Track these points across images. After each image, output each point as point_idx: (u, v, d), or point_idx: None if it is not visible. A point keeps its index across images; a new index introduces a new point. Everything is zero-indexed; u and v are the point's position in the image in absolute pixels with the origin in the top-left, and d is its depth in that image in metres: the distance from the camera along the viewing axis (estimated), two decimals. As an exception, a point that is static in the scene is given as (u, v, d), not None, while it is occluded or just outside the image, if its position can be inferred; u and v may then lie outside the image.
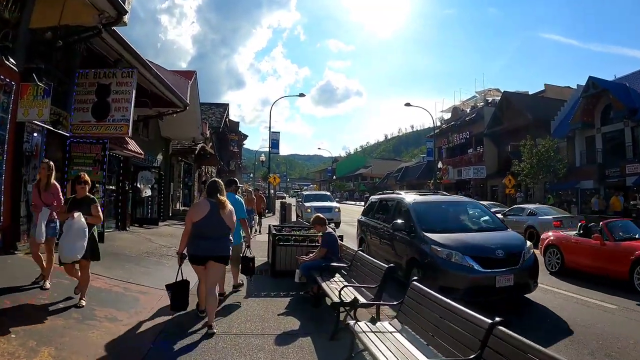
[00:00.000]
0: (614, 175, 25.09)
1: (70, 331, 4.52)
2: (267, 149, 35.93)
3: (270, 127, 32.59)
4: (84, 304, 5.24)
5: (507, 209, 18.15)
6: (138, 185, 14.73)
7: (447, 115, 53.42)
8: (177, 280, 4.99)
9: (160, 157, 17.99)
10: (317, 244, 7.65)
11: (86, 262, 5.36)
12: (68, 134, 9.22)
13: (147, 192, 15.34)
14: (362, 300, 4.85)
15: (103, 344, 4.31)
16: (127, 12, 7.77)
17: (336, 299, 4.85)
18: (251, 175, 75.43)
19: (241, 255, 6.68)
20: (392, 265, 5.03)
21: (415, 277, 4.23)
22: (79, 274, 5.48)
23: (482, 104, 46.77)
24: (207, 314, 4.97)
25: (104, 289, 6.23)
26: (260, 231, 15.62)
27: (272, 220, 21.94)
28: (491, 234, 7.10)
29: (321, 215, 6.99)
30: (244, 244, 6.77)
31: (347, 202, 60.01)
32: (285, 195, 59.98)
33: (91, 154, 9.27)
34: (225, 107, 39.68)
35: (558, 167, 26.81)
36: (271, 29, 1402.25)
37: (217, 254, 4.88)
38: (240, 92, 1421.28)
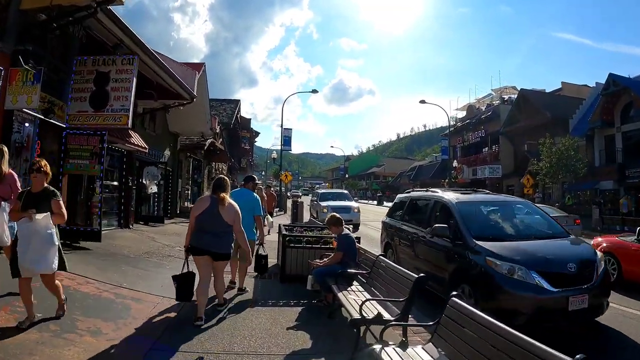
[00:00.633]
0: (634, 176, 24.19)
1: (43, 348, 3.83)
2: (279, 147, 35.27)
3: (282, 124, 31.89)
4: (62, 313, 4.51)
5: None
6: (143, 182, 14.12)
7: (461, 114, 52.46)
8: (183, 272, 5.06)
9: (167, 152, 17.37)
10: (331, 246, 6.91)
11: (51, 276, 4.32)
12: (64, 125, 8.59)
13: (153, 189, 14.74)
14: (386, 316, 4.08)
15: (77, 366, 3.62)
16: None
17: (356, 315, 4.08)
18: (263, 173, 74.88)
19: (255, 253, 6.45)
20: (422, 275, 4.23)
21: (455, 293, 3.41)
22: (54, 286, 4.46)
23: (498, 101, 45.65)
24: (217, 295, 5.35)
25: (92, 294, 5.54)
26: (269, 232, 14.87)
27: (283, 219, 21.24)
28: (556, 242, 5.80)
29: (337, 215, 6.18)
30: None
31: (360, 201, 59.12)
32: (300, 194, 56.05)
33: (88, 146, 8.59)
34: (236, 103, 39.01)
35: (578, 167, 25.78)
36: (284, 27, 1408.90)
37: (216, 250, 4.96)
38: (253, 90, 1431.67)
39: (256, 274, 7.02)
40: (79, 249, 8.10)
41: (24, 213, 4.05)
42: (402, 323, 3.83)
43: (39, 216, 4.03)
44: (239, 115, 39.31)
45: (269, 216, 13.64)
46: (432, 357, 3.17)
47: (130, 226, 12.11)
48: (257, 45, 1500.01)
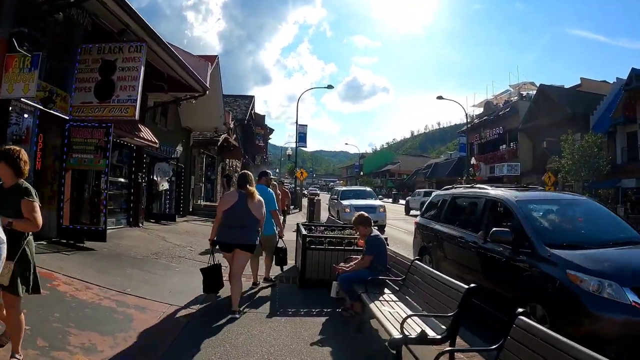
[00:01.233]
0: (658, 175, 22.94)
1: (26, 370, 3.25)
2: (294, 145, 34.66)
3: (297, 120, 31.22)
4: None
5: None
6: (154, 178, 13.58)
7: (478, 110, 51.20)
8: (209, 264, 5.28)
9: (179, 148, 16.84)
10: (356, 247, 6.24)
11: (14, 298, 3.14)
12: (67, 117, 8.06)
13: (165, 186, 14.16)
14: (431, 334, 3.41)
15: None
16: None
17: (396, 333, 3.39)
18: (277, 170, 74.40)
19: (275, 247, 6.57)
20: (474, 285, 3.51)
21: (522, 310, 2.69)
22: (3, 312, 3.29)
23: (516, 97, 44.40)
24: (232, 300, 5.04)
25: (91, 302, 4.94)
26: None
27: (299, 217, 20.61)
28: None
29: (365, 214, 5.45)
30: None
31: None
32: (318, 192, 52.50)
33: (93, 139, 8.02)
34: (250, 99, 38.30)
35: (601, 164, 24.66)
36: (297, 25, 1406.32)
37: (243, 242, 5.02)
38: (267, 87, 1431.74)
39: (272, 282, 6.72)
40: (82, 250, 7.55)
41: None
42: (459, 348, 3.13)
43: None
44: (253, 112, 38.65)
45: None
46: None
47: (140, 224, 11.57)
48: (270, 43, 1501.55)
